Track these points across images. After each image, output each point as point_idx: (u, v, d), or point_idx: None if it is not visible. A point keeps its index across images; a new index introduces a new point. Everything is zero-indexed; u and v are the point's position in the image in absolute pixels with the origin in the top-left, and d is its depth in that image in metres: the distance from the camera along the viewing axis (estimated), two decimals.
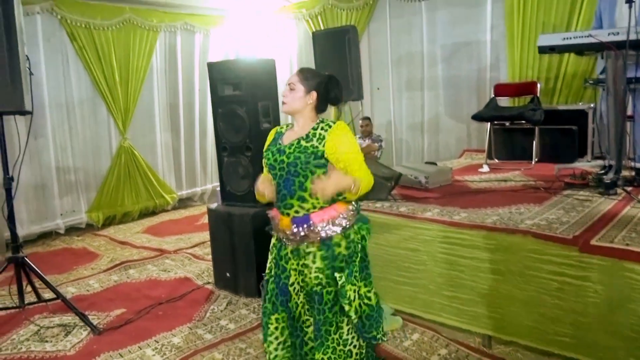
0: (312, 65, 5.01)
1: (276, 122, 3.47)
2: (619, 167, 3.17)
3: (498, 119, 4.50)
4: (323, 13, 6.41)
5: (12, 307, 3.10)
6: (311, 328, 1.98)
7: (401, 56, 6.00)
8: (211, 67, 3.55)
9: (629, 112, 3.40)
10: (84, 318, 2.97)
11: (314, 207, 1.92)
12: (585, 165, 3.82)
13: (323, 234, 1.91)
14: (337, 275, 1.90)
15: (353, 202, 1.98)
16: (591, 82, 3.61)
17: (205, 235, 4.80)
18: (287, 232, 1.95)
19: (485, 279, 2.55)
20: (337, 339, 1.95)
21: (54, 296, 3.11)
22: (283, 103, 1.97)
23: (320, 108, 1.99)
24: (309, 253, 1.93)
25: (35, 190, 5.18)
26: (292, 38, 6.98)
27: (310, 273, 1.92)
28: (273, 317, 2.00)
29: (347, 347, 1.96)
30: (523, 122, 4.33)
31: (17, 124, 3.82)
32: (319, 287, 1.90)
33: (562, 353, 2.35)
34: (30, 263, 3.03)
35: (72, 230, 5.49)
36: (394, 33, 6.00)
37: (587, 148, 4.38)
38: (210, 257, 3.86)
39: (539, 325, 2.40)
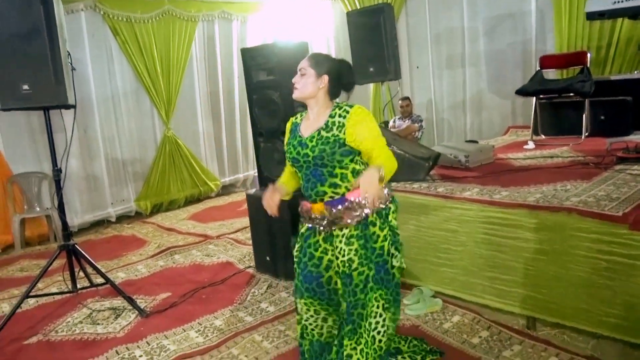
0: (348, 47, 4.94)
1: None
2: None
3: (544, 93, 4.28)
4: None
5: (67, 292, 3.28)
6: (347, 310, 1.96)
7: (440, 33, 5.81)
8: (244, 53, 3.57)
9: None
10: (131, 302, 3.10)
11: (347, 190, 1.91)
12: (637, 137, 3.57)
13: (359, 213, 1.88)
14: (378, 255, 1.92)
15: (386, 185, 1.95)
16: None
17: (247, 221, 4.88)
18: (321, 216, 1.95)
19: (529, 259, 2.46)
20: (365, 325, 1.93)
21: (105, 281, 3.26)
22: (294, 89, 1.93)
23: (333, 93, 1.95)
24: (342, 235, 1.92)
25: (87, 181, 5.43)
26: (329, 19, 6.92)
27: (342, 256, 1.91)
28: (302, 301, 2.03)
29: (379, 335, 1.95)
30: (571, 94, 4.09)
31: (64, 118, 3.99)
32: (349, 268, 1.88)
33: (613, 335, 2.24)
34: (80, 250, 3.18)
35: (122, 218, 5.73)
36: (433, 9, 5.82)
37: None
38: (251, 242, 3.92)
39: (587, 307, 2.29)
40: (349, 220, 1.90)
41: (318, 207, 1.96)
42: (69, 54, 2.96)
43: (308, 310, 2.04)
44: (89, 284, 3.37)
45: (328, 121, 1.89)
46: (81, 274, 3.35)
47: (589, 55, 4.21)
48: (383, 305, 1.94)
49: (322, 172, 1.89)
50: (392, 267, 1.95)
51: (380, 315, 1.93)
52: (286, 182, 2.12)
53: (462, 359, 2.31)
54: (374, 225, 1.92)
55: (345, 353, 1.96)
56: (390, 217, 1.96)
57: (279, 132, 3.42)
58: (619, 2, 2.99)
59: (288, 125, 2.07)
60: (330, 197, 1.92)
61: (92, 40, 5.38)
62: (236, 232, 4.74)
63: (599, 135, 4.07)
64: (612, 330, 2.22)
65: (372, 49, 4.55)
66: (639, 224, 2.06)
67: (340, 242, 1.93)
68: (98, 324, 3.00)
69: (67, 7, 4.87)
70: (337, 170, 1.89)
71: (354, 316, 1.91)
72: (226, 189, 6.76)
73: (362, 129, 1.85)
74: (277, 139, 3.43)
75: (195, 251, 4.28)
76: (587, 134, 4.13)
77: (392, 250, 1.96)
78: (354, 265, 1.89)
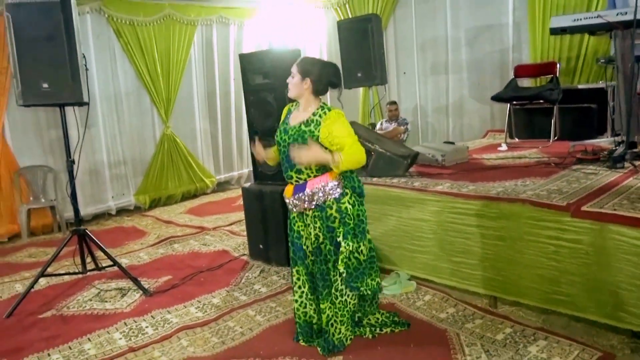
0: (338, 53, 5.29)
1: None
2: (628, 142, 3.32)
3: (517, 99, 4.66)
4: (350, 1, 6.66)
5: (76, 273, 3.58)
6: (319, 281, 2.36)
7: (426, 41, 6.18)
8: (242, 58, 3.89)
9: (639, 89, 3.52)
10: (136, 282, 3.41)
11: (308, 177, 2.31)
12: (599, 141, 3.95)
13: (316, 199, 2.30)
14: (334, 233, 2.31)
15: (339, 175, 2.32)
16: (603, 61, 3.74)
17: (242, 215, 5.16)
18: (289, 199, 2.37)
19: (490, 245, 2.80)
20: (334, 293, 2.35)
21: (110, 264, 3.56)
22: (289, 89, 2.34)
23: (317, 91, 2.34)
24: (308, 215, 2.35)
25: (89, 175, 5.72)
26: (322, 27, 7.26)
27: (312, 230, 2.33)
28: (294, 270, 2.42)
29: (343, 297, 2.37)
30: (541, 101, 4.47)
31: (74, 114, 4.29)
32: (317, 242, 2.29)
33: (560, 310, 2.58)
34: (91, 234, 3.48)
35: (122, 211, 6.02)
36: (419, 18, 6.19)
37: (606, 126, 4.48)
38: (245, 233, 4.24)
39: (539, 286, 2.63)
40: (309, 205, 2.31)
41: (288, 190, 2.39)
42: (83, 56, 3.27)
43: (299, 279, 2.43)
44: (95, 267, 3.66)
45: (310, 118, 2.28)
46: (88, 258, 3.65)
47: (558, 65, 4.60)
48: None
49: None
50: (343, 251, 2.31)
51: (342, 284, 2.33)
52: (275, 151, 2.55)
53: (430, 330, 2.64)
54: (331, 208, 2.32)
55: (325, 315, 2.39)
56: (346, 201, 2.33)
57: (273, 130, 3.74)
58: (578, 19, 3.35)
59: (284, 110, 2.48)
60: (296, 181, 2.34)
61: (97, 42, 5.68)
62: (231, 224, 5.06)
63: (567, 139, 4.42)
64: (558, 305, 2.57)
65: (361, 55, 4.90)
66: (578, 212, 2.41)
67: (311, 220, 2.35)
68: (106, 301, 3.31)
69: None
70: None
71: (327, 282, 2.32)
72: (221, 186, 7.07)
73: (335, 128, 2.24)
74: (271, 137, 3.73)
75: (193, 241, 4.59)
76: (556, 137, 4.50)
77: (343, 232, 2.32)
78: (320, 239, 2.30)
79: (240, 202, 5.97)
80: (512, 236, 2.70)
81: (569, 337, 2.44)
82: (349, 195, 2.34)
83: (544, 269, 2.59)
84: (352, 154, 2.22)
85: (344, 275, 2.33)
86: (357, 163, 2.26)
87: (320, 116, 2.27)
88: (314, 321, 2.52)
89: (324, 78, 2.35)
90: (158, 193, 6.28)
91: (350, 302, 2.42)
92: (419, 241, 3.16)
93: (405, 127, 5.85)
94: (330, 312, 2.37)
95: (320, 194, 2.29)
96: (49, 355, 2.64)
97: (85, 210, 5.65)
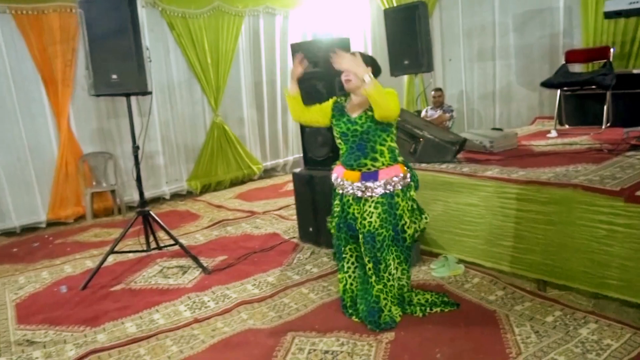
0: (385, 41, 5.34)
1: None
2: None
3: (567, 85, 4.59)
4: None
5: (141, 251, 3.85)
6: (370, 264, 2.48)
7: (472, 27, 6.13)
8: (293, 47, 4.02)
9: None
10: (196, 260, 3.64)
11: (383, 165, 2.41)
12: None
13: (383, 189, 2.43)
14: (395, 219, 2.47)
15: (407, 166, 2.53)
16: None
17: (289, 200, 5.39)
18: (354, 184, 2.48)
19: (540, 229, 2.84)
20: (387, 276, 2.50)
21: (171, 244, 3.81)
22: (348, 81, 2.44)
23: None
24: (371, 202, 2.46)
25: (145, 161, 5.98)
26: (366, 15, 7.29)
27: (369, 217, 2.43)
28: (347, 248, 2.55)
29: (394, 279, 2.55)
30: (594, 87, 4.39)
31: (138, 104, 4.56)
32: (373, 229, 2.41)
33: (610, 294, 2.61)
34: (155, 215, 3.73)
35: (175, 196, 6.32)
36: (466, 4, 6.14)
37: None
38: (294, 217, 4.41)
39: (589, 270, 2.66)
40: (375, 192, 2.44)
41: (352, 175, 2.48)
42: (147, 48, 3.49)
43: (347, 259, 2.58)
44: (156, 246, 3.92)
45: (370, 105, 2.38)
46: (150, 238, 3.91)
47: (612, 50, 4.50)
48: (395, 259, 2.51)
49: (365, 146, 2.39)
50: (405, 232, 2.50)
51: (395, 267, 2.50)
52: (298, 102, 2.74)
53: (479, 311, 2.72)
54: (398, 196, 2.46)
55: (368, 294, 2.54)
56: (409, 193, 2.53)
57: None
58: (634, 2, 3.29)
59: (330, 102, 2.62)
60: (368, 169, 2.43)
61: (152, 34, 5.93)
62: (279, 209, 5.24)
63: (621, 126, 4.34)
64: (609, 289, 2.60)
65: (407, 43, 4.93)
66: (633, 197, 2.42)
67: (370, 206, 2.46)
68: (169, 277, 3.55)
69: None
70: (378, 147, 2.41)
71: (376, 269, 2.47)
72: (267, 173, 7.29)
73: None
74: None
75: (244, 224, 4.80)
76: (608, 124, 4.42)
77: (407, 220, 2.51)
78: (376, 226, 2.40)
79: (287, 187, 6.19)
80: (562, 221, 2.73)
81: (621, 321, 2.46)
82: (412, 186, 2.53)
83: (595, 253, 2.61)
84: (386, 94, 2.28)
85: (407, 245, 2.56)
86: (388, 100, 2.28)
87: None
88: (358, 297, 2.68)
89: (378, 68, 2.53)
90: (208, 179, 6.55)
91: (396, 284, 2.56)
92: (467, 225, 3.23)
93: (450, 115, 5.86)
94: (380, 293, 2.52)
95: (392, 183, 2.43)
96: (122, 323, 2.90)
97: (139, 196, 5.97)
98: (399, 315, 2.61)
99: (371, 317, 2.54)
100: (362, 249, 2.53)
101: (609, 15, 3.43)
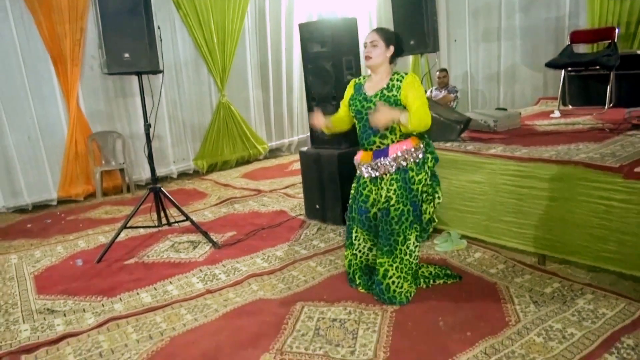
0: (391, 20, 5.36)
1: (358, 73, 3.94)
2: None
3: (572, 66, 4.63)
4: None
5: (152, 227, 3.96)
6: (385, 240, 2.56)
7: (478, 7, 6.14)
8: (301, 27, 4.07)
9: None
10: (206, 235, 3.75)
11: (392, 142, 2.48)
12: None
13: (394, 165, 2.47)
14: (414, 196, 2.54)
15: (422, 139, 2.50)
16: None
17: (295, 179, 5.49)
18: (366, 164, 2.52)
19: (541, 205, 2.93)
20: (404, 249, 2.53)
21: (182, 219, 3.92)
22: (368, 58, 2.48)
23: (392, 60, 2.50)
24: (383, 179, 2.53)
25: (153, 141, 6.10)
26: None
27: (385, 192, 2.50)
28: (355, 228, 2.62)
29: (407, 256, 2.57)
30: (598, 67, 4.43)
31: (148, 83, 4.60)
32: (388, 204, 2.48)
33: (608, 267, 2.71)
34: (166, 192, 3.84)
35: (182, 175, 6.43)
36: None
37: None
38: (300, 195, 4.51)
39: (588, 244, 2.76)
40: (390, 169, 2.49)
41: (366, 156, 2.54)
42: (158, 27, 3.55)
43: (358, 237, 2.65)
44: (167, 222, 4.03)
45: (389, 84, 2.45)
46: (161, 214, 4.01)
47: (617, 30, 4.52)
48: (415, 235, 2.53)
49: None
50: (425, 211, 2.57)
51: (413, 243, 2.54)
52: (333, 120, 2.75)
53: (480, 283, 2.83)
54: (412, 170, 2.50)
55: (382, 268, 2.57)
56: (426, 166, 2.54)
57: (330, 97, 3.95)
58: None
59: (351, 84, 2.67)
60: (378, 146, 2.49)
61: (159, 14, 5.90)
62: (286, 187, 5.34)
63: (624, 106, 4.39)
64: (606, 262, 2.70)
65: (413, 23, 4.94)
66: (631, 173, 2.50)
67: (386, 183, 2.51)
68: (180, 252, 3.67)
69: None
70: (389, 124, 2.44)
71: (390, 241, 2.51)
72: (272, 153, 7.38)
73: (412, 90, 2.41)
74: (329, 103, 3.95)
75: (251, 202, 4.91)
76: (611, 104, 4.48)
77: (429, 191, 2.55)
78: (392, 202, 2.48)
79: (292, 167, 6.28)
80: (563, 197, 2.82)
81: (616, 292, 2.57)
82: (429, 159, 2.55)
83: (595, 227, 2.71)
84: (419, 115, 2.37)
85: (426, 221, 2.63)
86: (423, 124, 2.39)
87: (399, 80, 2.45)
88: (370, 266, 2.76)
89: (401, 44, 2.53)
90: (215, 158, 6.65)
91: (413, 261, 2.60)
92: (470, 202, 3.32)
93: (454, 95, 5.91)
94: (392, 269, 2.55)
95: (404, 157, 2.47)
96: (137, 293, 3.02)
97: (149, 174, 6.04)
98: (412, 293, 2.65)
99: (382, 293, 2.61)
100: (380, 227, 2.59)
101: None
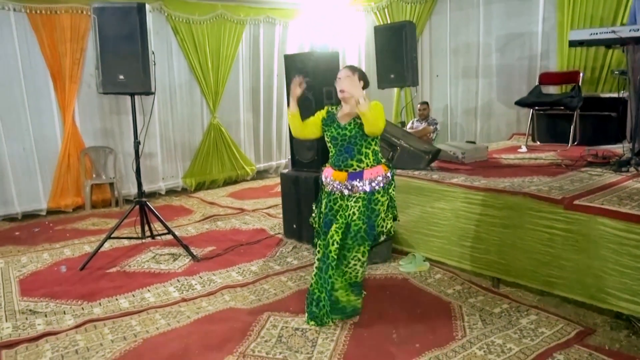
0: (374, 55, 5.71)
1: (337, 103, 4.21)
2: (634, 148, 3.61)
3: (538, 105, 4.96)
4: (389, 6, 7.05)
5: (136, 238, 4.16)
6: (337, 251, 2.74)
7: (459, 46, 6.51)
8: (287, 58, 4.37)
9: None
10: (187, 249, 3.95)
11: (367, 166, 2.73)
12: (612, 147, 4.22)
13: (369, 187, 2.72)
14: (375, 215, 2.74)
15: (389, 168, 2.78)
16: (617, 72, 4.01)
17: (278, 200, 5.66)
18: (342, 183, 2.77)
19: (495, 231, 3.18)
20: (352, 263, 2.76)
21: (164, 232, 4.12)
22: (342, 91, 2.74)
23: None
24: (354, 197, 2.75)
25: (143, 157, 6.25)
26: (362, 29, 7.66)
27: (350, 210, 2.73)
28: (320, 242, 2.82)
29: (358, 273, 2.80)
30: (562, 107, 4.76)
31: (140, 103, 4.87)
32: (350, 219, 2.70)
33: (553, 291, 2.95)
34: (151, 206, 4.06)
35: (170, 192, 6.64)
36: (453, 25, 6.52)
37: (625, 134, 4.72)
38: (281, 215, 4.73)
39: (535, 269, 3.00)
40: (364, 189, 2.73)
41: (340, 175, 2.78)
42: (153, 52, 3.83)
43: (320, 249, 2.86)
44: (150, 235, 4.23)
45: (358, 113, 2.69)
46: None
47: (581, 75, 4.87)
48: (363, 252, 2.76)
49: (353, 149, 2.69)
50: (378, 226, 2.77)
51: (359, 259, 2.75)
52: (305, 122, 2.97)
53: (436, 302, 3.05)
54: (379, 193, 2.73)
55: (331, 280, 2.76)
56: (390, 190, 2.79)
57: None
58: (594, 34, 3.64)
59: (323, 111, 2.91)
60: (354, 169, 2.73)
61: (157, 37, 6.23)
62: (268, 208, 5.57)
63: (587, 144, 4.71)
64: (551, 287, 2.93)
65: (394, 59, 5.30)
66: (570, 205, 2.76)
67: (352, 200, 2.76)
68: (161, 263, 3.87)
69: None
70: (364, 149, 2.71)
71: (341, 254, 2.72)
72: (260, 174, 7.62)
73: (373, 109, 2.64)
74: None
75: (234, 220, 5.13)
76: (575, 142, 4.79)
77: (383, 216, 2.77)
78: (354, 218, 2.70)
79: (277, 189, 6.49)
80: (514, 224, 3.07)
81: (558, 315, 2.81)
82: (392, 185, 2.80)
83: (540, 254, 2.96)
84: (377, 112, 2.61)
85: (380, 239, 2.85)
86: (377, 118, 2.62)
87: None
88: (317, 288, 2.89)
89: (366, 81, 2.83)
90: (203, 177, 6.88)
91: (359, 276, 2.80)
92: (434, 227, 3.57)
93: (434, 127, 6.21)
94: (338, 282, 2.75)
95: (377, 182, 2.71)
96: (116, 299, 3.21)
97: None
98: (360, 303, 2.86)
99: (334, 305, 2.77)
100: (335, 237, 2.78)
101: (572, 44, 3.77)
